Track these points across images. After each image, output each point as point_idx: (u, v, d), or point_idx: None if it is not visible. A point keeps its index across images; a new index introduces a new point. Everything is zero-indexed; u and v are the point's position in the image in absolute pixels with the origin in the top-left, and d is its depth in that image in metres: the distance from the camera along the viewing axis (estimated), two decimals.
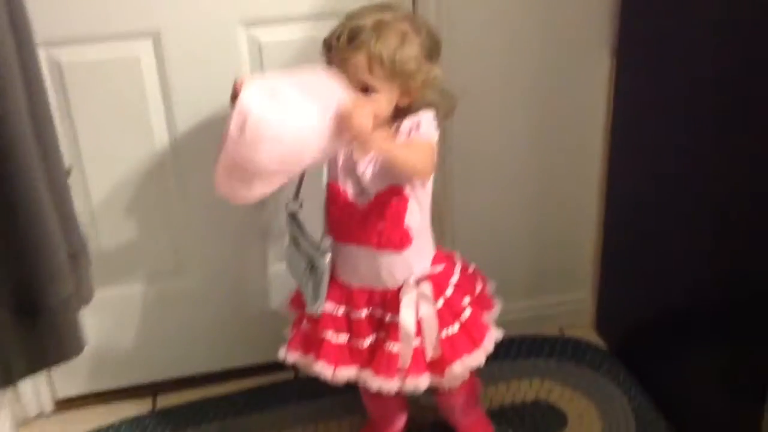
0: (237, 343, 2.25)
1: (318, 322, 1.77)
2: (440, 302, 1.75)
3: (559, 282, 2.37)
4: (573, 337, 2.34)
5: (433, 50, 1.67)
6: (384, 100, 1.63)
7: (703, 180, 1.79)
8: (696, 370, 1.94)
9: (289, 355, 1.82)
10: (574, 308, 2.39)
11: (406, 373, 1.73)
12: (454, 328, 1.75)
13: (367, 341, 1.76)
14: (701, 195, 1.80)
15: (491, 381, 2.17)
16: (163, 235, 2.10)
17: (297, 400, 2.18)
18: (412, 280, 1.74)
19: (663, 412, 2.05)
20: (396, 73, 1.60)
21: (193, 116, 1.97)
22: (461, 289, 1.80)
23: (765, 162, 1.56)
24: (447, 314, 1.75)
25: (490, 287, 1.90)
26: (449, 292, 1.77)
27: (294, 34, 1.93)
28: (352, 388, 1.96)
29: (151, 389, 2.25)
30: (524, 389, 2.17)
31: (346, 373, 1.76)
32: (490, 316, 1.85)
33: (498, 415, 2.08)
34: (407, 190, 1.69)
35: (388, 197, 1.68)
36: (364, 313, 1.76)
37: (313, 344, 1.78)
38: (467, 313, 1.77)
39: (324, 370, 1.75)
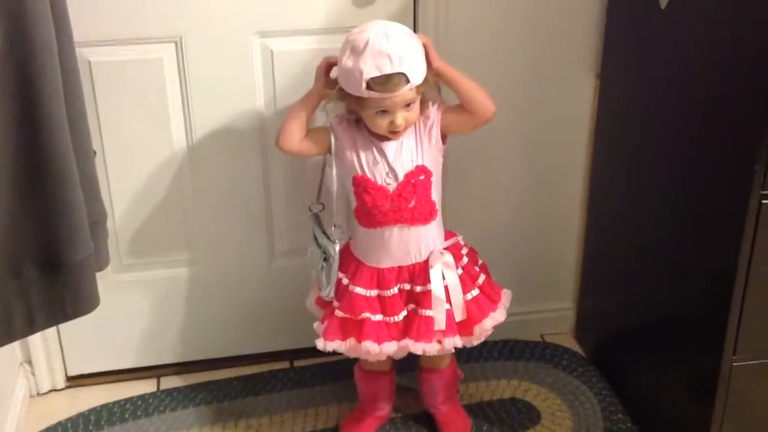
0: (239, 332, 2.36)
1: (353, 307, 1.91)
2: (459, 270, 1.94)
3: (542, 291, 2.49)
4: (552, 343, 2.47)
5: None
6: (417, 106, 1.84)
7: (679, 197, 1.90)
8: (659, 376, 2.06)
9: (328, 344, 1.93)
10: (555, 316, 2.51)
11: (442, 334, 1.90)
12: (475, 291, 1.95)
13: (401, 315, 1.92)
14: (678, 213, 1.91)
15: (473, 379, 2.31)
16: (175, 224, 2.22)
17: (290, 388, 2.30)
18: (437, 251, 1.92)
19: (630, 413, 2.17)
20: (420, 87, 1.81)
21: (208, 114, 2.11)
22: (471, 257, 2.01)
23: (741, 181, 1.64)
24: (467, 279, 1.95)
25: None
26: (465, 260, 1.98)
27: (303, 44, 2.07)
28: (342, 377, 2.09)
29: (156, 371, 2.36)
30: (503, 388, 2.29)
31: (389, 347, 1.91)
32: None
33: (476, 409, 2.21)
34: (430, 166, 1.87)
35: (416, 175, 1.87)
36: (395, 290, 1.92)
37: (351, 329, 1.92)
38: (482, 277, 1.99)
39: (371, 348, 1.88)
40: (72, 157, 1.49)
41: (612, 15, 2.13)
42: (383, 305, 1.92)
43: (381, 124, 1.81)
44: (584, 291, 2.46)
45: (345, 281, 1.95)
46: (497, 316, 1.97)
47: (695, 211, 1.84)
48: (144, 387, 2.32)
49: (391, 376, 2.10)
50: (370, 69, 1.73)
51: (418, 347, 1.90)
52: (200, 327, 2.35)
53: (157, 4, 1.99)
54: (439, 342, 1.91)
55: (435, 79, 1.86)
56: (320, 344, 1.93)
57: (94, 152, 1.70)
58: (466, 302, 1.93)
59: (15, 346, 2.23)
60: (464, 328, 1.94)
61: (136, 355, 2.35)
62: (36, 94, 1.43)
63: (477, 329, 1.95)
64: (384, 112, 1.79)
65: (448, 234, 1.99)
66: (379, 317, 1.91)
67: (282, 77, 2.10)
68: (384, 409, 2.14)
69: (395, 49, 1.73)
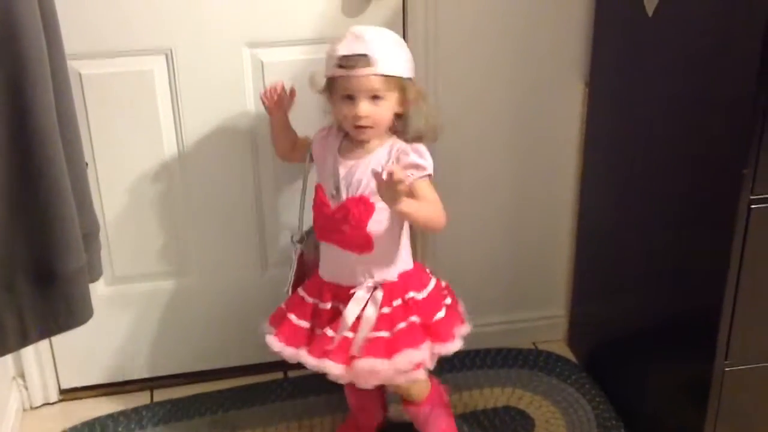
0: (232, 344, 2.36)
1: (287, 306, 1.95)
2: (386, 309, 1.86)
3: (535, 299, 2.49)
4: (545, 350, 2.47)
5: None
6: (387, 108, 1.82)
7: (669, 203, 1.91)
8: (652, 383, 2.06)
9: (266, 326, 1.95)
10: (547, 324, 2.51)
11: (327, 355, 1.84)
12: (383, 333, 1.84)
13: (323, 330, 1.87)
14: (668, 219, 1.92)
15: (466, 388, 2.31)
16: (167, 236, 2.22)
17: (284, 399, 2.30)
18: (370, 284, 1.86)
19: (623, 419, 2.18)
20: (397, 85, 1.80)
21: (199, 125, 2.12)
22: (414, 307, 1.88)
23: (730, 187, 1.65)
24: (385, 321, 1.85)
25: (462, 330, 1.93)
26: (397, 303, 1.87)
27: (293, 55, 2.08)
28: (336, 388, 2.09)
29: (149, 383, 2.36)
30: (496, 395, 2.29)
31: (293, 353, 1.88)
32: (442, 346, 1.89)
33: (470, 418, 2.21)
34: (375, 201, 1.82)
35: (355, 203, 1.83)
36: (329, 305, 1.90)
37: (278, 322, 1.94)
38: (401, 326, 1.85)
39: (272, 342, 1.90)
40: (64, 169, 1.49)
41: (600, 22, 2.15)
42: (316, 316, 1.91)
43: (347, 114, 1.81)
44: (576, 298, 2.46)
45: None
46: (375, 364, 1.82)
47: (685, 217, 1.85)
48: (137, 400, 2.32)
49: (379, 388, 2.05)
50: (342, 48, 1.78)
51: (305, 359, 1.86)
52: (194, 339, 2.35)
53: (148, 17, 2.00)
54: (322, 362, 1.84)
55: (417, 95, 1.85)
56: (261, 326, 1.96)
57: (86, 164, 1.70)
58: (367, 340, 1.83)
59: (7, 360, 2.22)
60: (351, 362, 1.84)
61: (129, 368, 2.35)
62: (28, 106, 1.44)
63: (353, 365, 1.83)
64: (349, 99, 1.80)
65: (411, 273, 1.92)
66: (304, 323, 1.90)
67: None
68: (376, 419, 2.14)
69: (371, 36, 1.78)
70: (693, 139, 1.79)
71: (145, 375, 2.37)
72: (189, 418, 2.24)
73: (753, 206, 1.64)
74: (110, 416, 2.24)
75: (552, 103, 2.25)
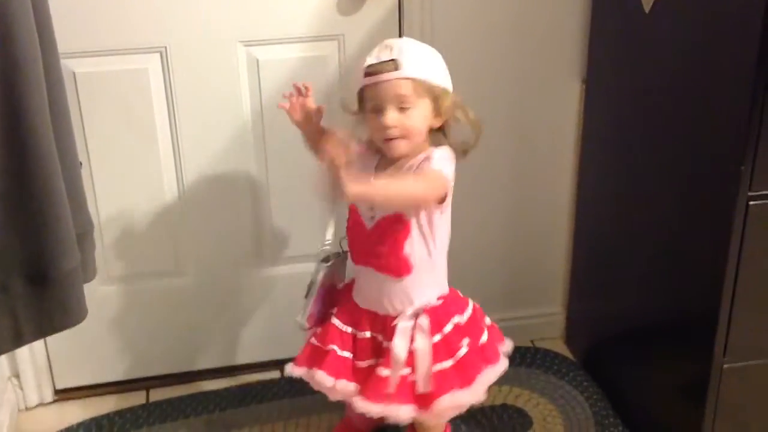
0: (228, 343, 2.36)
1: (325, 337, 1.82)
2: (437, 337, 1.76)
3: (532, 297, 2.49)
4: (542, 348, 2.47)
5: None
6: (417, 117, 1.68)
7: (666, 201, 1.90)
8: (650, 380, 2.06)
9: (296, 370, 1.84)
10: (545, 321, 2.51)
11: (390, 399, 1.74)
12: (447, 363, 1.75)
13: (367, 362, 1.79)
14: (665, 216, 1.91)
15: None
16: (162, 235, 2.21)
17: (281, 398, 2.29)
18: (410, 311, 1.76)
19: (621, 417, 2.17)
20: (428, 92, 1.68)
21: (195, 123, 2.11)
22: (463, 330, 1.80)
23: (727, 183, 1.65)
24: (442, 350, 1.76)
25: (504, 347, 1.90)
26: (448, 329, 1.78)
27: (288, 53, 2.08)
28: None
29: (145, 383, 2.35)
30: (494, 394, 2.28)
31: (345, 386, 1.79)
32: (492, 369, 1.84)
33: (468, 417, 2.17)
34: (411, 219, 1.71)
35: (390, 223, 1.72)
36: (368, 334, 1.80)
37: (318, 358, 1.82)
38: (463, 351, 1.77)
39: (323, 379, 1.79)
40: (58, 169, 1.48)
41: (597, 19, 2.14)
42: (355, 346, 1.82)
43: (377, 127, 1.68)
44: (574, 296, 2.46)
45: (334, 309, 1.87)
46: (459, 397, 1.76)
47: (683, 214, 1.84)
48: (133, 399, 2.31)
49: None
50: (370, 59, 1.68)
51: (363, 405, 1.76)
52: (189, 338, 2.34)
53: (142, 15, 1.99)
54: (386, 405, 1.75)
55: (455, 105, 1.72)
56: (288, 369, 1.85)
57: (80, 163, 1.69)
58: (432, 374, 1.74)
59: (2, 360, 2.21)
60: (425, 400, 1.75)
61: (124, 368, 2.34)
62: (21, 106, 1.42)
63: (435, 404, 1.74)
64: (377, 111, 1.67)
65: (450, 296, 1.83)
66: (347, 354, 1.81)
67: (268, 85, 2.10)
68: (372, 420, 2.11)
69: (400, 44, 1.68)
70: (690, 135, 1.79)
71: (141, 374, 2.36)
72: (185, 417, 2.23)
73: (751, 203, 1.63)
74: (106, 416, 2.23)
75: (549, 101, 2.25)
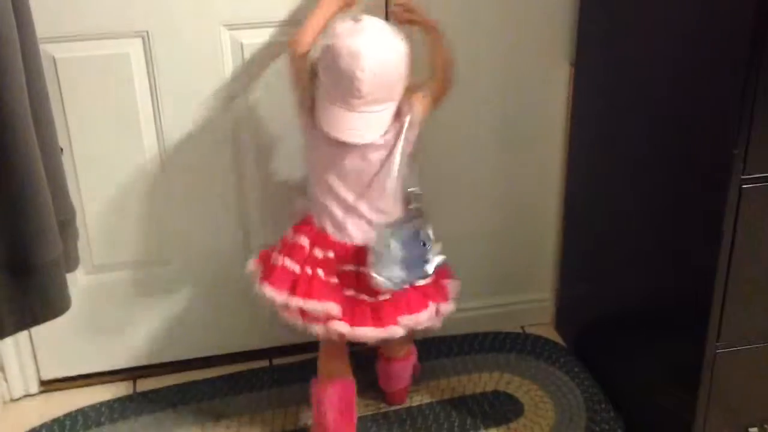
0: (216, 332, 2.33)
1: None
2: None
3: (522, 283, 2.48)
4: (533, 334, 2.45)
5: None
6: None
7: (657, 185, 1.89)
8: (642, 366, 2.05)
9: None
10: (535, 307, 2.50)
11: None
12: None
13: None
14: (657, 200, 1.90)
15: (454, 373, 2.30)
16: (146, 223, 2.18)
17: (270, 386, 2.27)
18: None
19: (613, 402, 2.17)
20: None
21: (178, 109, 2.07)
22: None
23: (720, 167, 1.64)
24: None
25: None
26: None
27: (272, 36, 2.04)
28: None
29: (132, 373, 2.33)
30: (485, 380, 2.27)
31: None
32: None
33: (459, 403, 2.19)
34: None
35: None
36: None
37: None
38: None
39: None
40: (38, 155, 1.45)
41: (586, 2, 2.11)
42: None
43: None
44: (563, 281, 2.44)
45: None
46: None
47: (676, 197, 1.82)
48: (120, 390, 2.29)
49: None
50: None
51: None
52: (176, 327, 2.32)
53: None
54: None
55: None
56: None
57: (62, 149, 1.66)
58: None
59: None
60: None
61: (111, 358, 2.31)
62: None
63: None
64: None
65: None
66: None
67: (252, 69, 2.07)
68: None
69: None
70: (682, 118, 1.77)
71: (128, 365, 2.33)
72: (173, 407, 2.21)
73: (744, 186, 1.61)
74: (92, 407, 2.21)
75: (537, 85, 2.23)
